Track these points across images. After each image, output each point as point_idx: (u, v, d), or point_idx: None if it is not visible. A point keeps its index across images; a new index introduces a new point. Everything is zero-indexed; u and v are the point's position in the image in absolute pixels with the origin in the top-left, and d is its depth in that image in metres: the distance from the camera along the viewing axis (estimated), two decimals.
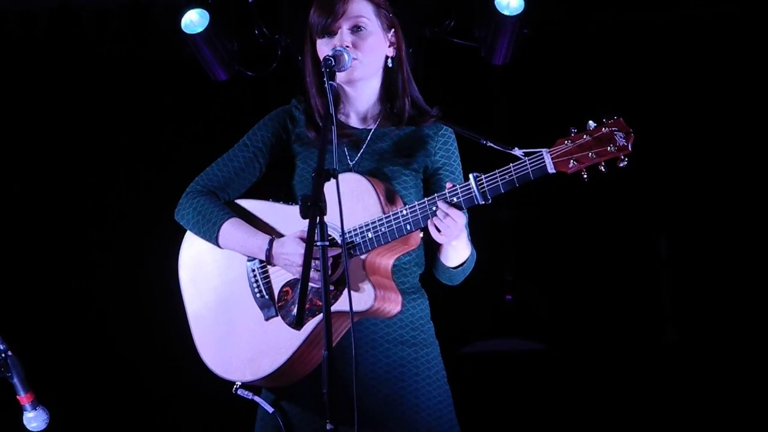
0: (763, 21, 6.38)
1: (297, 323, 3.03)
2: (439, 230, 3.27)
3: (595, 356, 6.39)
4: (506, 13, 5.45)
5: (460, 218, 3.26)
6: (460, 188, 3.26)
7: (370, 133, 3.54)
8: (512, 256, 6.82)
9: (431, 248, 3.53)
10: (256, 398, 3.55)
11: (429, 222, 3.27)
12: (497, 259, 6.75)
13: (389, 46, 3.53)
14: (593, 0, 6.44)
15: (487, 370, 6.25)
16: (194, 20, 5.56)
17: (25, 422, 3.47)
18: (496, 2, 5.43)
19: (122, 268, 6.28)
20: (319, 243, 3.02)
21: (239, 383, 3.52)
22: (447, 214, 3.25)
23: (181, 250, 3.64)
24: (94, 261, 6.42)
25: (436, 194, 3.29)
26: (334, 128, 3.27)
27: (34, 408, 3.47)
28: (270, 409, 3.51)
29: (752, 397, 6.07)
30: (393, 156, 3.52)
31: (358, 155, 3.51)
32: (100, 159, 6.46)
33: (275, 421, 3.50)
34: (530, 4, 5.43)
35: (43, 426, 3.49)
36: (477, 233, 3.51)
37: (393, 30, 3.54)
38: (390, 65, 3.53)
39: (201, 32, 5.55)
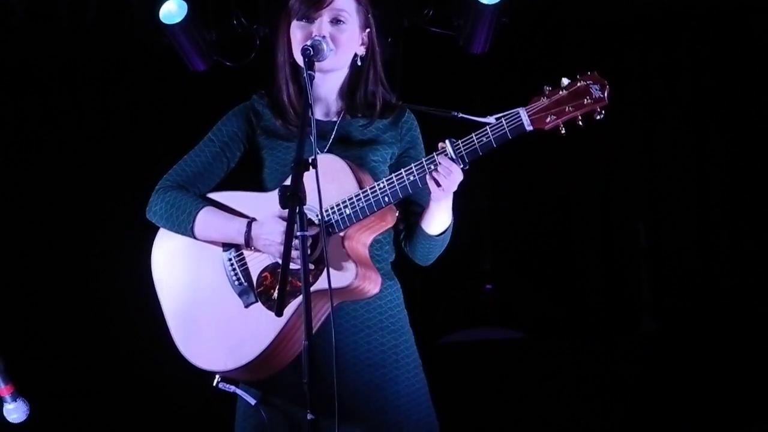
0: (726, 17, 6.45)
1: (278, 307, 3.03)
2: (438, 184, 3.31)
3: (575, 344, 6.41)
4: (485, 1, 5.47)
5: (458, 172, 3.30)
6: (462, 142, 3.29)
7: (336, 125, 3.55)
8: (491, 245, 6.83)
9: (408, 225, 3.55)
10: (238, 390, 3.49)
11: (428, 178, 3.30)
12: (476, 248, 6.76)
13: (361, 45, 3.55)
14: None
15: (466, 360, 6.26)
16: (172, 11, 5.55)
17: (5, 414, 3.48)
18: None
19: (102, 260, 6.26)
20: (299, 233, 3.00)
21: (219, 377, 3.46)
22: (448, 168, 3.28)
23: (153, 249, 3.60)
24: (74, 252, 6.39)
25: (434, 153, 3.32)
26: (313, 118, 3.27)
27: (14, 400, 3.48)
28: (252, 401, 3.46)
29: (730, 385, 6.10)
30: (359, 147, 3.53)
31: (326, 147, 3.51)
32: (74, 150, 6.43)
33: (258, 414, 3.47)
34: None
35: (23, 417, 3.50)
36: (454, 222, 3.51)
37: (368, 30, 3.56)
38: (358, 63, 3.55)
39: (179, 22, 5.54)
